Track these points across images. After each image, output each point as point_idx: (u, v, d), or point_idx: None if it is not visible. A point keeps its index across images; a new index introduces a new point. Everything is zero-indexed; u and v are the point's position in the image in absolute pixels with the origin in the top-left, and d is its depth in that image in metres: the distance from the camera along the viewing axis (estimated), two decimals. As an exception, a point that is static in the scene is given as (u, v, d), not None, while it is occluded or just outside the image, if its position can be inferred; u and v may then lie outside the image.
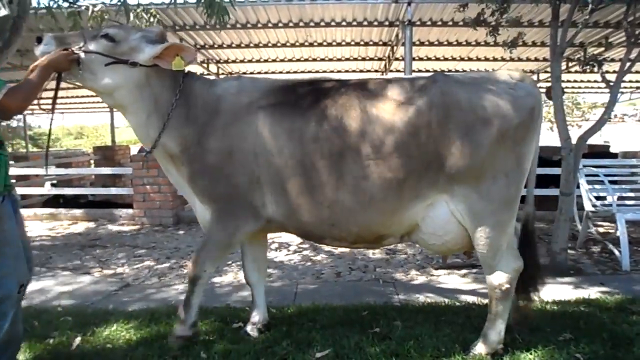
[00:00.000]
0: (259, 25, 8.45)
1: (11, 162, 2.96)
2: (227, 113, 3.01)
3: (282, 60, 11.41)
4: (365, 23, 8.23)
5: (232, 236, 3.07)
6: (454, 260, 5.30)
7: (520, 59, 10.44)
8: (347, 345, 3.11)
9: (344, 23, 8.24)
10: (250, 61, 11.51)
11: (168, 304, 4.09)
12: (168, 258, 5.83)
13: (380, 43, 9.69)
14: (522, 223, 3.13)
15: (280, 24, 8.38)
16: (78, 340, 3.26)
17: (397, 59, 10.39)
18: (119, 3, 4.11)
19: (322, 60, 11.27)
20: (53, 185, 11.54)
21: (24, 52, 8.83)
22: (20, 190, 10.69)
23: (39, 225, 8.26)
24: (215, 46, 10.07)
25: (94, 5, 4.35)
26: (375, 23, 8.21)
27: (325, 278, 4.96)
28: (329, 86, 3.05)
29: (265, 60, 11.41)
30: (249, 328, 3.39)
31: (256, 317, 3.43)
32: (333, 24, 8.24)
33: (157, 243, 6.69)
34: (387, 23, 8.17)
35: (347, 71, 12.54)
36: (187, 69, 3.12)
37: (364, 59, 11.30)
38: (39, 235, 7.39)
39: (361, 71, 12.56)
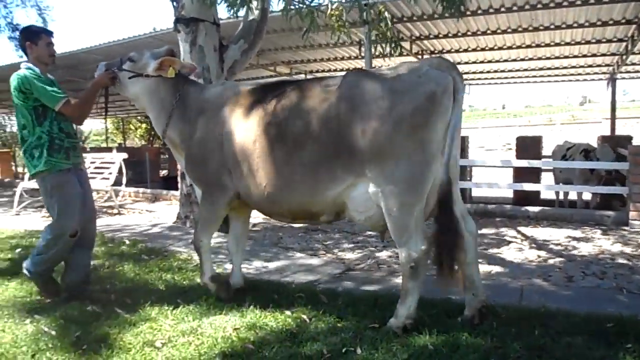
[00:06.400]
0: (479, 12, 8.10)
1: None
2: (207, 112, 3.79)
3: (500, 48, 10.81)
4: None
5: (212, 210, 3.85)
6: None
7: None
8: (591, 358, 2.77)
9: (578, 2, 7.40)
10: (465, 50, 11.17)
11: (389, 290, 4.16)
12: (385, 247, 5.97)
13: (623, 21, 8.45)
14: (437, 192, 3.17)
15: (502, 9, 7.92)
16: (311, 317, 3.49)
17: (643, 38, 8.99)
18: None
19: (547, 45, 10.32)
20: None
21: (259, 52, 9.90)
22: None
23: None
24: (431, 37, 9.99)
25: (332, 3, 4.61)
26: (620, -4, 7.19)
27: (554, 281, 4.53)
28: (279, 87, 3.59)
29: (482, 49, 10.94)
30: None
31: (233, 279, 4.10)
32: (565, 4, 7.46)
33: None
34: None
35: (575, 56, 11.30)
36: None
37: (599, 42, 10.00)
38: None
39: (593, 55, 11.18)
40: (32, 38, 3.99)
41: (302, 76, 14.16)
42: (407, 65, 3.21)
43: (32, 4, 13.43)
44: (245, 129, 3.55)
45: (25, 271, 4.05)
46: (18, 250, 5.72)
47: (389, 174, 3.03)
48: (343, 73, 3.44)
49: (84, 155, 10.57)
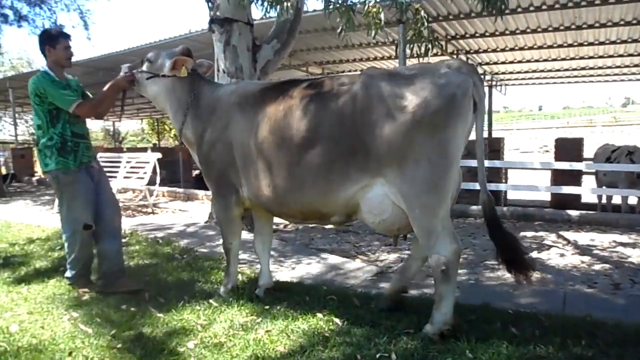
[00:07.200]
0: (519, 10, 7.86)
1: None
2: (218, 111, 3.78)
3: (539, 48, 10.48)
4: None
5: (226, 211, 3.86)
6: None
7: None
8: (643, 371, 2.60)
9: (626, -1, 7.08)
10: (503, 50, 10.88)
11: (424, 294, 4.05)
12: (419, 249, 5.83)
13: (673, 18, 8.08)
14: (482, 211, 3.16)
15: (544, 7, 7.66)
16: (344, 321, 3.40)
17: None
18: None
19: (591, 44, 9.92)
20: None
21: (291, 53, 9.86)
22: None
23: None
24: (467, 36, 9.77)
25: (369, 1, 4.52)
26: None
27: (599, 288, 4.33)
28: (291, 85, 3.52)
29: (521, 48, 10.63)
30: (257, 291, 3.99)
31: (262, 281, 4.06)
32: (612, 0, 7.13)
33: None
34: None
35: (620, 55, 10.86)
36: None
37: (645, 40, 9.56)
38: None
39: (640, 55, 10.73)
40: (51, 42, 4.14)
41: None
42: (426, 66, 3.12)
43: (75, 7, 13.83)
44: (256, 128, 3.51)
45: (67, 280, 4.32)
46: (58, 248, 5.83)
47: (408, 175, 2.93)
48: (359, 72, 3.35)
49: (121, 155, 10.82)
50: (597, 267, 4.98)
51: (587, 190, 9.08)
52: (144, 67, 4.09)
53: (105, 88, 4.19)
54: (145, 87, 4.13)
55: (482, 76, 13.50)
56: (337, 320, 3.39)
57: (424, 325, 3.16)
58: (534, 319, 3.38)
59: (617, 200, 9.15)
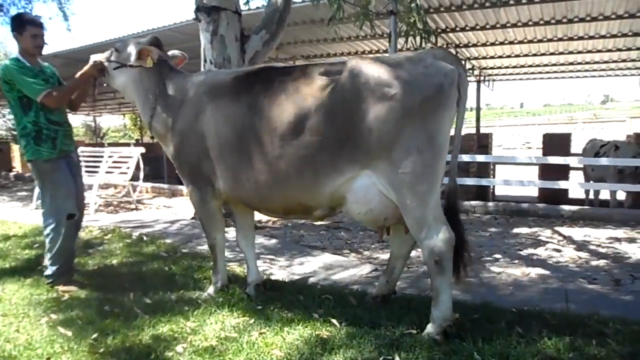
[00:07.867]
0: (511, 2, 7.74)
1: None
2: (189, 101, 3.62)
3: (529, 42, 10.39)
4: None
5: (203, 205, 3.71)
6: None
7: None
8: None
9: (618, -8, 7.01)
10: (493, 44, 10.78)
11: (422, 292, 3.91)
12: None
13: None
14: (445, 197, 3.12)
15: None
16: (342, 321, 3.23)
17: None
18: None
19: (581, 38, 9.85)
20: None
21: (278, 46, 9.61)
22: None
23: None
24: (457, 29, 9.64)
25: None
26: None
27: (600, 284, 4.23)
28: (265, 75, 3.37)
29: (511, 42, 10.53)
30: (247, 289, 3.83)
31: (251, 277, 3.90)
32: (605, -8, 7.06)
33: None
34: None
35: (609, 50, 10.83)
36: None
37: (635, 35, 9.50)
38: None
39: (628, 49, 10.70)
40: (18, 28, 3.97)
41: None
42: (410, 55, 3.05)
43: (53, -3, 13.43)
44: (231, 119, 3.37)
45: (48, 280, 4.09)
46: (36, 245, 5.57)
47: (397, 164, 2.85)
48: (341, 60, 3.21)
49: (102, 149, 10.52)
50: (595, 262, 4.89)
51: (578, 185, 9.06)
52: (113, 57, 3.93)
53: (75, 77, 4.04)
54: (113, 78, 3.97)
55: (471, 71, 13.42)
56: (334, 320, 3.21)
57: (425, 324, 3.01)
58: (539, 317, 3.26)
59: (604, 195, 9.14)
